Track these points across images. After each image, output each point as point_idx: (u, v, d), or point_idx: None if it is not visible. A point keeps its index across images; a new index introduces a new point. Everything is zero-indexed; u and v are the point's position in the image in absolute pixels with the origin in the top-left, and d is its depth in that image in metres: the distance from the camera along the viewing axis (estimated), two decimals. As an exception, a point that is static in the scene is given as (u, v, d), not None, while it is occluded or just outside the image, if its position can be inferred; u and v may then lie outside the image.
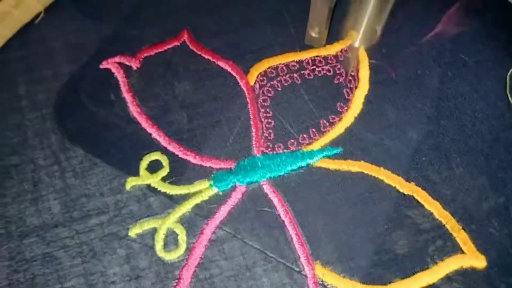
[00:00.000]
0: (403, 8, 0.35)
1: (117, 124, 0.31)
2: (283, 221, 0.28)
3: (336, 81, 0.33)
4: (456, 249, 0.27)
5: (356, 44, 0.33)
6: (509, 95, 0.32)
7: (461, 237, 0.27)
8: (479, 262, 0.27)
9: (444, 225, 0.28)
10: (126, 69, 0.33)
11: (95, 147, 0.30)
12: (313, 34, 0.32)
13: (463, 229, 0.28)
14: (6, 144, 0.31)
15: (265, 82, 0.33)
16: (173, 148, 0.30)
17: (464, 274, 0.26)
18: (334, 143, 0.31)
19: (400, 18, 0.35)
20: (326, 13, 0.30)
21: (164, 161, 0.30)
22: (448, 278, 0.26)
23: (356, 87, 0.33)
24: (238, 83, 0.33)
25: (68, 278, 0.27)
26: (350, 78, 0.33)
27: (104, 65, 0.34)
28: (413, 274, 0.26)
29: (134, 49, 0.34)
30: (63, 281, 0.26)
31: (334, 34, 0.34)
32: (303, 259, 0.27)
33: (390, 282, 0.26)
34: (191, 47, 0.34)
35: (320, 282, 0.26)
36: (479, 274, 0.26)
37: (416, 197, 0.29)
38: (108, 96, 0.32)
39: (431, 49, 0.34)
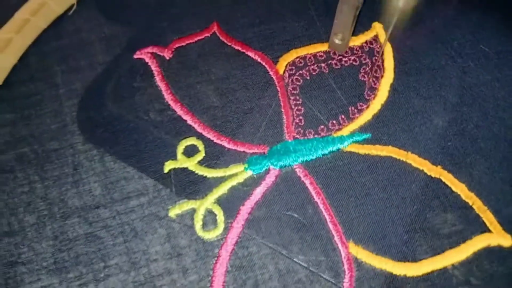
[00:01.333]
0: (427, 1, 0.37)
1: (153, 111, 0.32)
2: (316, 202, 0.29)
3: (362, 71, 0.34)
4: (483, 229, 0.28)
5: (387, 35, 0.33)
6: (529, 84, 0.33)
7: (487, 217, 0.29)
8: (506, 240, 0.28)
9: (470, 206, 0.29)
10: (159, 59, 0.35)
11: (132, 133, 0.31)
12: (337, 41, 0.33)
13: (489, 209, 0.29)
14: (46, 130, 0.32)
15: (294, 71, 0.34)
16: (208, 133, 0.32)
17: (491, 252, 0.28)
18: (362, 129, 0.32)
19: (424, 12, 0.36)
20: (351, 20, 0.30)
21: (200, 145, 0.31)
22: (476, 256, 0.27)
23: (382, 76, 0.34)
24: (268, 72, 0.34)
25: (111, 256, 0.28)
26: (376, 68, 0.34)
27: (138, 55, 0.35)
28: (443, 251, 0.28)
29: (166, 40, 0.35)
30: (106, 259, 0.28)
31: (359, 25, 0.36)
32: (336, 238, 0.28)
33: (420, 260, 0.27)
34: (221, 38, 0.36)
35: (354, 259, 0.27)
36: (505, 252, 0.28)
37: (443, 179, 0.30)
38: (143, 85, 0.33)
39: (452, 41, 0.36)
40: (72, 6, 0.37)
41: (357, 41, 0.35)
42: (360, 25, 0.36)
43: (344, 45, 0.33)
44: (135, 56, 0.35)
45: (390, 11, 0.33)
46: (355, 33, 0.35)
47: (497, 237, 0.28)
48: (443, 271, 0.27)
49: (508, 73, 0.34)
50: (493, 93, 0.33)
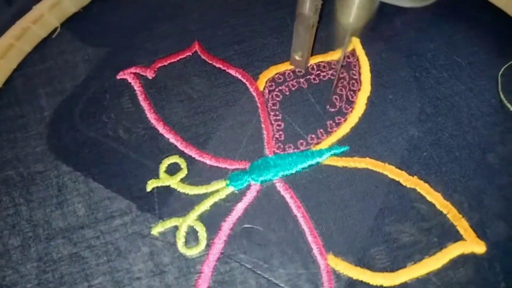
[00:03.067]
0: (400, 15, 0.38)
1: (136, 130, 0.33)
2: (295, 216, 0.30)
3: (340, 85, 0.35)
4: (457, 237, 0.29)
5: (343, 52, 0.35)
6: (501, 93, 0.34)
7: (461, 225, 0.29)
8: (479, 247, 0.28)
9: (445, 215, 0.30)
10: (142, 79, 0.36)
11: (116, 152, 0.32)
12: (297, 57, 0.34)
13: (463, 217, 0.30)
14: (31, 153, 0.32)
15: (273, 87, 0.35)
16: (190, 151, 0.32)
17: (466, 259, 0.28)
18: (341, 142, 0.33)
19: (398, 26, 0.38)
20: (308, 38, 0.32)
21: (182, 163, 0.32)
22: (451, 263, 0.28)
23: (359, 90, 0.35)
24: (249, 89, 0.35)
25: (95, 276, 0.28)
26: (353, 81, 0.35)
27: (121, 75, 0.36)
28: (420, 260, 0.28)
29: (148, 60, 0.36)
30: (90, 279, 0.28)
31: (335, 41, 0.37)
32: (316, 251, 0.29)
33: (398, 269, 0.28)
34: (202, 56, 0.37)
35: (333, 271, 0.28)
36: (479, 259, 0.28)
37: (419, 189, 0.31)
38: (127, 105, 0.34)
39: (427, 53, 0.37)
40: (55, 29, 0.38)
41: (334, 56, 0.36)
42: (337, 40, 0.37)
43: (304, 62, 0.34)
44: (119, 77, 0.35)
45: (343, 28, 0.34)
46: (332, 48, 0.36)
47: (471, 245, 0.29)
48: (420, 280, 0.28)
49: (481, 83, 0.35)
50: (467, 102, 0.34)
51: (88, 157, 0.32)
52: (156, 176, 0.31)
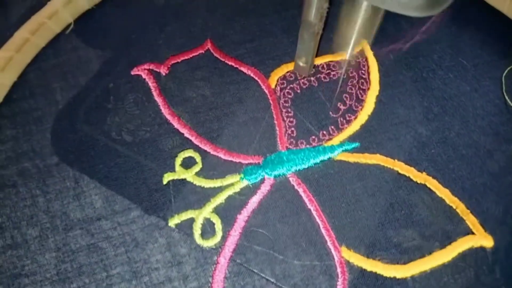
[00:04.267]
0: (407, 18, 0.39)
1: (151, 125, 0.34)
2: (309, 210, 0.31)
3: (349, 84, 0.36)
4: (466, 231, 0.30)
5: (347, 57, 0.36)
6: (505, 94, 0.36)
7: (470, 220, 0.30)
8: (487, 241, 0.30)
9: (454, 209, 0.31)
10: (156, 75, 0.36)
11: (132, 146, 0.33)
12: (301, 64, 0.35)
13: (471, 213, 0.31)
14: (46, 145, 0.33)
15: (285, 85, 0.36)
16: (205, 145, 0.33)
17: (475, 253, 0.29)
18: (351, 138, 0.33)
19: (405, 28, 0.39)
20: (312, 45, 0.32)
21: (197, 157, 0.32)
22: (461, 256, 0.29)
23: (368, 89, 0.36)
24: (260, 86, 0.36)
25: (113, 266, 0.29)
26: (362, 80, 0.36)
27: (135, 71, 0.36)
28: (430, 253, 0.29)
29: (162, 57, 0.37)
30: (108, 269, 0.28)
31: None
32: (329, 243, 0.29)
33: (409, 261, 0.29)
34: (215, 54, 0.37)
35: (347, 263, 0.29)
36: (487, 252, 0.29)
37: (428, 185, 0.32)
38: (141, 100, 0.35)
39: (433, 54, 0.38)
40: (69, 25, 0.39)
41: (344, 55, 0.37)
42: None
43: (308, 68, 0.35)
44: (133, 73, 0.36)
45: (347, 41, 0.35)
46: (340, 49, 0.37)
47: (479, 239, 0.30)
48: (431, 272, 0.29)
49: (485, 84, 0.36)
50: (472, 102, 0.35)
51: (104, 150, 0.33)
52: (172, 169, 0.32)
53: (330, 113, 0.34)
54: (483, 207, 0.31)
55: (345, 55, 0.36)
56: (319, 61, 0.37)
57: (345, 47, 0.35)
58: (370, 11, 0.31)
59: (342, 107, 0.35)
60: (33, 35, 0.36)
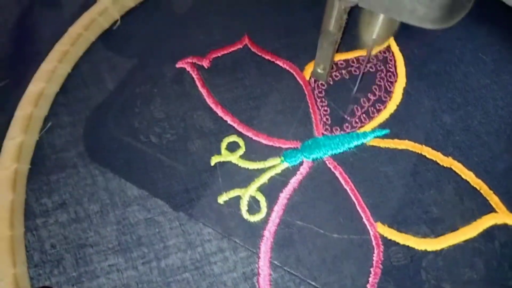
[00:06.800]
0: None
1: (197, 113, 0.36)
2: (345, 189, 0.33)
3: (378, 76, 0.39)
4: (490, 209, 0.33)
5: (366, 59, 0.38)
6: (523, 86, 0.38)
7: (493, 200, 0.33)
8: (510, 219, 0.32)
9: (478, 190, 0.33)
10: (199, 68, 0.39)
11: (182, 132, 0.35)
12: (319, 70, 0.37)
13: (494, 193, 0.33)
14: (102, 131, 0.36)
15: (318, 77, 0.39)
16: (247, 132, 0.36)
17: (498, 229, 0.32)
18: (382, 126, 0.36)
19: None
20: (331, 53, 0.34)
21: (240, 142, 0.35)
22: (485, 232, 0.32)
23: (395, 81, 0.39)
24: (296, 78, 0.39)
25: (169, 238, 0.31)
26: (390, 73, 0.39)
27: (179, 64, 0.39)
28: (457, 229, 0.32)
29: (203, 51, 0.40)
30: (165, 240, 0.31)
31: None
32: (365, 219, 0.32)
33: (438, 236, 0.32)
34: (252, 49, 0.40)
35: (382, 238, 0.31)
36: (510, 229, 0.32)
37: (454, 169, 0.34)
38: (186, 91, 0.38)
39: (454, 50, 0.41)
40: (116, 21, 0.42)
41: (373, 51, 0.40)
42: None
43: (326, 75, 0.37)
44: (177, 65, 0.39)
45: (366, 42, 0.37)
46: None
47: (502, 216, 0.32)
48: (459, 246, 0.31)
49: (504, 77, 0.39)
50: (493, 94, 0.38)
51: (157, 132, 0.35)
52: (218, 153, 0.35)
53: (368, 95, 0.37)
54: (505, 188, 0.33)
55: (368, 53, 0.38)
56: (349, 55, 0.40)
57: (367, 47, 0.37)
58: (387, 20, 0.33)
59: (372, 97, 0.38)
60: (85, 30, 0.39)
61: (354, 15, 0.36)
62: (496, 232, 0.32)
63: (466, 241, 0.31)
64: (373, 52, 0.40)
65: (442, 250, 0.31)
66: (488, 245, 0.31)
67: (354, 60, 0.40)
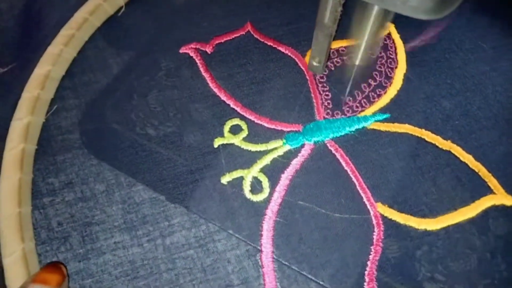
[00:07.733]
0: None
1: (200, 97, 0.37)
2: (346, 171, 0.34)
3: (378, 62, 0.39)
4: (488, 191, 0.33)
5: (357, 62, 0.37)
6: (521, 73, 0.39)
7: (491, 182, 0.34)
8: (508, 200, 0.33)
9: (477, 173, 0.34)
10: (202, 53, 0.40)
11: (185, 115, 0.36)
12: (314, 63, 0.37)
13: (493, 175, 0.34)
14: (105, 113, 0.36)
15: (320, 63, 0.39)
16: (250, 115, 0.36)
17: (496, 210, 0.33)
18: (382, 110, 0.37)
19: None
20: (326, 46, 0.34)
21: (243, 125, 0.36)
22: (484, 213, 0.32)
23: (396, 67, 0.39)
24: (298, 64, 0.39)
25: (174, 216, 0.32)
26: (390, 60, 0.40)
27: (183, 50, 0.40)
28: (456, 210, 0.33)
29: (206, 38, 0.41)
30: (170, 219, 0.32)
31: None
32: (365, 200, 0.33)
33: (437, 216, 0.32)
34: (254, 36, 0.41)
35: (382, 217, 0.32)
36: (508, 210, 0.33)
37: (453, 152, 0.35)
38: (189, 75, 0.38)
39: (454, 38, 0.41)
40: (121, 8, 0.42)
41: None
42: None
43: (321, 68, 0.37)
44: (181, 51, 0.40)
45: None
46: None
47: (501, 198, 0.33)
48: (458, 225, 0.32)
49: (503, 64, 0.40)
50: (491, 81, 0.39)
51: (160, 117, 0.36)
52: (221, 135, 0.35)
53: (369, 81, 0.37)
54: (503, 170, 0.34)
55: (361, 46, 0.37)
56: (350, 42, 0.40)
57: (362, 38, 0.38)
58: (382, 12, 0.32)
59: (372, 83, 0.38)
60: (90, 15, 0.40)
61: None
62: (494, 213, 0.33)
63: (465, 221, 0.32)
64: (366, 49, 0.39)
65: (441, 229, 0.32)
66: (487, 224, 0.32)
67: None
